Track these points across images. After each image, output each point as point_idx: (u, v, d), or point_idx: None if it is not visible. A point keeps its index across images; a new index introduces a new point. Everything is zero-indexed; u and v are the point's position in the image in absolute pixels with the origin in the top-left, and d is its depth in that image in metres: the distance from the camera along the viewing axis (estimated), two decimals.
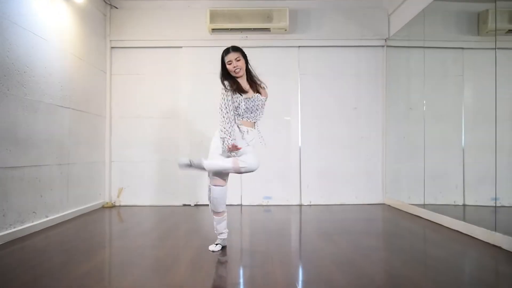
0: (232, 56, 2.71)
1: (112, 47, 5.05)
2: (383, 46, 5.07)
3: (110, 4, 4.99)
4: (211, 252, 2.74)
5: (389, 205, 4.89)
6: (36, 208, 3.44)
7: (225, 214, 2.83)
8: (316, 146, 5.07)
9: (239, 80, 2.76)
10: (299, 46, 5.09)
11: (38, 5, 3.49)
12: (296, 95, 5.08)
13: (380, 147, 5.08)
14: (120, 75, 5.09)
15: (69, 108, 4.04)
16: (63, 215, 3.88)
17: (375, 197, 5.06)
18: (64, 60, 3.97)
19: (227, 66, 2.73)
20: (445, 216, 3.62)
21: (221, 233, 2.84)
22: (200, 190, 4.99)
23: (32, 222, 3.36)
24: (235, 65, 2.71)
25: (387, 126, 5.04)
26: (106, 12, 4.98)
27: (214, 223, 2.82)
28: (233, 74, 2.73)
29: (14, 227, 3.10)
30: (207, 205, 4.88)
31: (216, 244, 2.83)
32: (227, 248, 2.88)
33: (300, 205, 4.98)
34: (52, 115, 3.71)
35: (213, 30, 4.86)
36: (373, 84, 5.10)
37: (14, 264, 2.46)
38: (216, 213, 2.80)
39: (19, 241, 3.03)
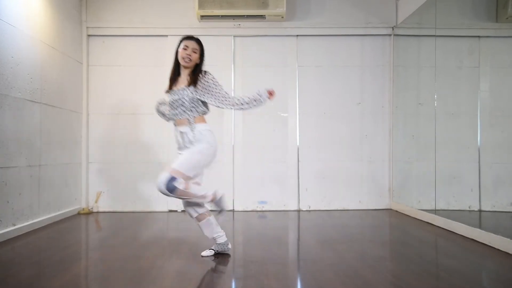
0: (191, 44, 2.79)
1: (89, 35, 4.97)
2: (390, 34, 5.05)
3: None
4: (199, 263, 2.69)
5: (396, 211, 4.87)
6: (2, 216, 3.36)
7: None
8: (316, 145, 5.04)
9: (182, 71, 2.85)
10: (297, 35, 5.05)
11: None
12: (294, 89, 5.05)
13: (386, 146, 5.07)
14: (98, 66, 5.01)
15: (40, 103, 3.97)
16: (33, 223, 3.80)
17: (381, 202, 5.04)
18: (34, 48, 3.90)
19: (179, 51, 2.78)
20: (459, 223, 3.61)
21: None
22: None
23: None
24: (189, 54, 2.76)
25: (394, 123, 5.02)
26: None
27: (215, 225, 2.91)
28: (181, 62, 2.78)
29: None
30: None
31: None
32: (218, 258, 2.83)
33: (299, 211, 4.96)
34: (21, 110, 3.64)
35: (202, 17, 4.80)
36: (378, 77, 5.08)
37: None
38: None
39: None
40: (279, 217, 4.58)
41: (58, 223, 4.15)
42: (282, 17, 4.83)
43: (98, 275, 2.53)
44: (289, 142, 5.04)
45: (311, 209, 4.99)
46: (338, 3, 5.05)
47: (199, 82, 2.76)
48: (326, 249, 3.09)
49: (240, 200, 4.99)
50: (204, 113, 2.83)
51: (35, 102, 3.88)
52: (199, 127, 2.76)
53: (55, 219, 4.23)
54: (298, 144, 5.04)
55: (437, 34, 4.06)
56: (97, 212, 4.88)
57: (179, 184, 2.58)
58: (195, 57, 2.79)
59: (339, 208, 5.00)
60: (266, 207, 4.96)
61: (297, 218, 4.55)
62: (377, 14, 5.04)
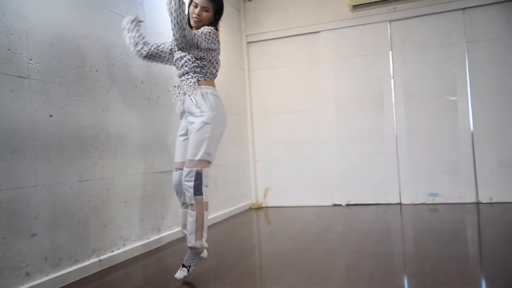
0: (200, 1, 2.40)
1: (248, 42, 5.35)
2: None
3: None
4: (368, 258, 2.64)
5: None
6: None
7: None
8: (495, 129, 4.42)
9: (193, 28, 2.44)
10: (464, 8, 4.52)
11: None
12: (463, 69, 4.53)
13: None
14: (258, 70, 5.35)
15: None
16: (214, 217, 4.27)
17: None
18: None
19: (190, 7, 2.44)
20: None
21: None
22: (352, 188, 4.89)
23: None
24: (198, 13, 2.40)
25: None
26: (240, 6, 5.30)
27: (206, 219, 2.38)
28: (190, 21, 2.42)
29: (172, 229, 3.55)
30: (362, 204, 4.81)
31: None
32: (387, 255, 2.73)
33: (477, 203, 4.43)
34: None
35: (354, 7, 4.70)
36: None
37: (171, 266, 2.81)
38: (207, 204, 2.37)
39: (181, 240, 3.41)
40: (453, 210, 4.19)
41: (234, 217, 4.57)
42: None
43: (272, 266, 2.71)
44: (460, 128, 4.55)
45: (493, 201, 4.41)
46: None
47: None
48: None
49: (407, 192, 4.72)
50: (212, 76, 2.46)
51: None
52: (204, 89, 2.39)
53: (231, 214, 4.68)
54: (472, 129, 4.51)
55: None
56: (266, 207, 5.22)
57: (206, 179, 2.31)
58: (206, 16, 2.43)
59: None
60: (438, 200, 4.58)
61: (476, 211, 4.08)
62: None
